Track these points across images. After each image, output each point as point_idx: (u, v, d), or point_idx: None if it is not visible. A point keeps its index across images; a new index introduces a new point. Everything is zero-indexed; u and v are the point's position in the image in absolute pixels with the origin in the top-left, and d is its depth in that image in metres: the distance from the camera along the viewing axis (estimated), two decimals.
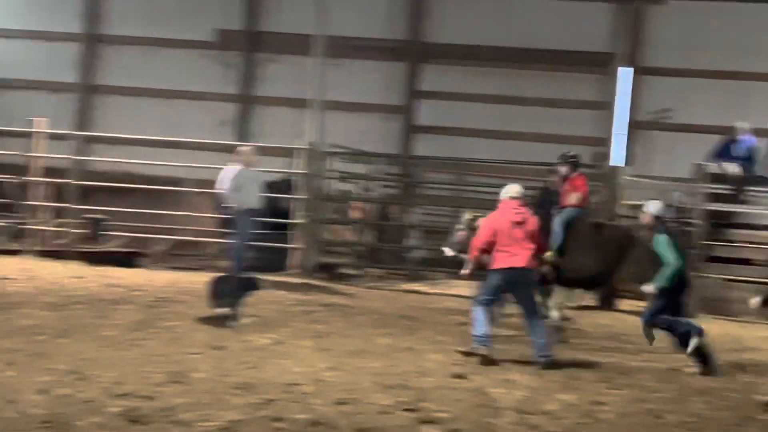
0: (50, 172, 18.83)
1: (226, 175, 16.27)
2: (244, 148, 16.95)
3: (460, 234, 13.21)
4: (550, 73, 23.28)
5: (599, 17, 21.36)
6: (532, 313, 11.01)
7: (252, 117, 24.54)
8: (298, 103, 23.26)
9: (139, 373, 9.18)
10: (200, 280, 15.13)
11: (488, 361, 10.61)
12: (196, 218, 18.75)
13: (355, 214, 20.32)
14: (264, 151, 17.67)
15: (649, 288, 11.13)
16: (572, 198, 13.24)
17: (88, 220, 18.59)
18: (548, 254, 12.59)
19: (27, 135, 18.75)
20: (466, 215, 13.39)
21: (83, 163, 21.64)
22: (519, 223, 10.90)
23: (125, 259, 17.88)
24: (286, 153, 20.30)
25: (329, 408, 8.40)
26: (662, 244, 11.08)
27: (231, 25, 24.53)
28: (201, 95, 24.62)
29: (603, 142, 21.39)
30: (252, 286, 12.82)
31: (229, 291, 12.46)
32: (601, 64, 22.05)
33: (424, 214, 21.50)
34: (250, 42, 24.45)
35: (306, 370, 9.76)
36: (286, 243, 17.73)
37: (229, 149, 20.79)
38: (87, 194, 19.77)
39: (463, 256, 12.39)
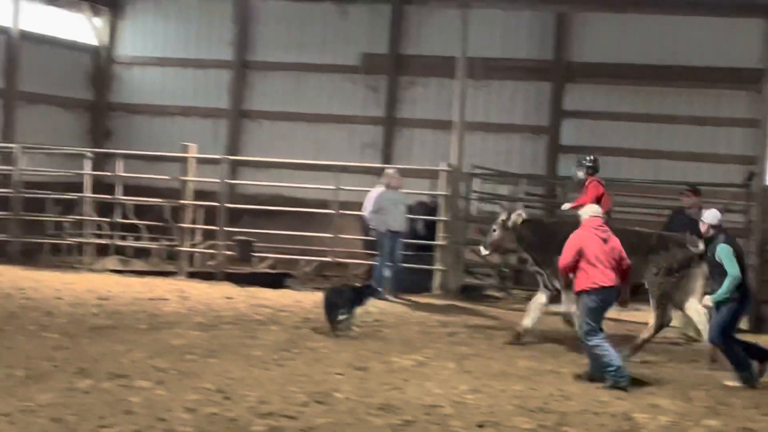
0: (201, 195, 19.41)
1: (371, 197, 16.49)
2: (389, 171, 17.16)
3: (495, 234, 13.43)
4: (699, 90, 22.78)
5: (750, 33, 20.71)
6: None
7: (396, 139, 24.75)
8: (442, 125, 23.40)
9: (283, 392, 9.36)
10: None
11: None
12: (342, 240, 18.98)
13: None
14: (407, 173, 17.81)
15: (707, 301, 10.98)
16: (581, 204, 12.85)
17: (237, 242, 19.06)
18: None
19: (180, 159, 19.36)
20: (501, 216, 13.49)
21: (233, 186, 22.21)
22: (605, 241, 10.78)
23: (273, 280, 18.24)
24: (430, 174, 20.39)
25: (469, 431, 8.39)
26: (725, 254, 10.78)
27: (376, 49, 24.83)
28: (346, 118, 24.99)
29: (755, 161, 20.74)
30: (366, 296, 13.19)
31: (344, 302, 12.87)
32: (753, 81, 21.40)
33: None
34: (395, 65, 24.70)
35: (447, 392, 9.78)
36: (430, 264, 17.80)
37: (374, 171, 21.18)
38: (236, 217, 20.28)
39: (494, 256, 12.21)
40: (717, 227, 11.13)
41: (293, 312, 14.56)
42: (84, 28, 26.16)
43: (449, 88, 23.17)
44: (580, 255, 10.68)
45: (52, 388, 9.00)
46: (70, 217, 20.46)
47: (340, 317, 12.77)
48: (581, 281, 10.69)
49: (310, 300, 15.93)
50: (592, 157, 13.92)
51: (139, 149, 24.73)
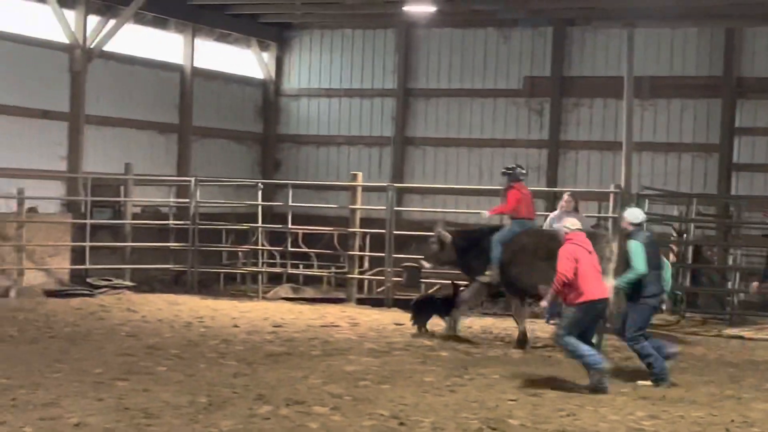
0: (368, 222, 19.68)
1: (550, 221, 16.39)
2: (565, 195, 17.02)
3: (433, 248, 14.66)
4: None
5: None
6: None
7: (561, 162, 24.53)
8: (607, 146, 23.14)
9: (457, 418, 9.38)
10: (514, 326, 15.31)
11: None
12: None
13: (670, 257, 19.78)
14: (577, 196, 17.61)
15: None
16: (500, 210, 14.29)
17: (405, 268, 19.20)
18: (487, 272, 13.84)
19: (347, 188, 19.69)
20: (437, 230, 14.57)
21: (399, 213, 22.43)
22: (591, 254, 11.08)
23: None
24: (597, 197, 20.13)
25: None
26: (634, 250, 11.33)
27: (539, 71, 24.72)
28: (510, 142, 24.94)
29: None
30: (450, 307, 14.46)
31: (430, 311, 14.51)
32: None
33: (745, 256, 20.60)
34: (558, 87, 24.52)
35: (624, 419, 9.62)
36: None
37: (539, 195, 21.03)
38: (403, 243, 20.45)
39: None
40: (636, 225, 11.62)
41: (463, 337, 14.58)
42: (252, 63, 26.97)
43: (615, 109, 22.97)
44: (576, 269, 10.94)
45: (233, 414, 9.26)
46: (245, 247, 21.06)
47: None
48: (575, 295, 10.95)
49: (479, 325, 15.95)
50: (512, 165, 14.44)
51: (306, 179, 25.34)
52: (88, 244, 19.93)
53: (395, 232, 19.09)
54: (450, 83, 25.59)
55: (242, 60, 26.74)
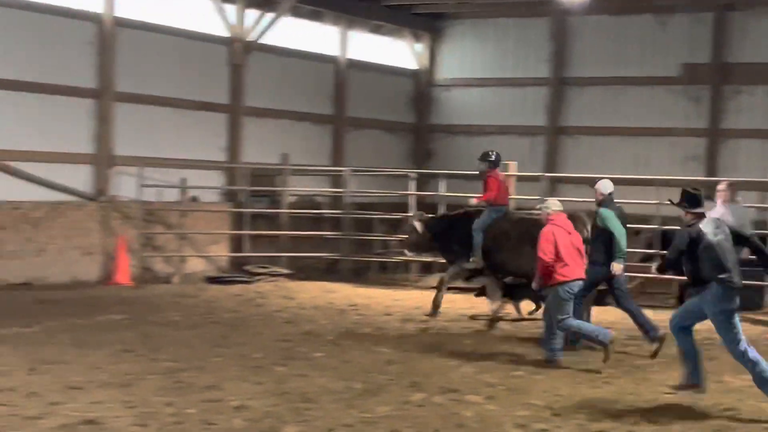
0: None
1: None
2: (721, 185, 16.55)
3: (412, 236, 15.27)
4: None
5: None
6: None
7: (720, 151, 23.87)
8: None
9: (612, 411, 9.30)
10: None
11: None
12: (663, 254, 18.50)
13: None
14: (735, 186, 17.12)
15: (618, 266, 11.99)
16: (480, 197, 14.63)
17: None
18: (472, 259, 14.26)
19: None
20: (414, 219, 15.29)
21: None
22: (570, 234, 11.47)
23: (596, 297, 18.02)
24: (759, 187, 19.52)
25: None
26: (607, 217, 12.04)
27: (698, 58, 24.10)
28: (668, 131, 24.40)
29: None
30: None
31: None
32: None
33: None
34: (718, 74, 23.87)
35: None
36: (761, 280, 17.02)
37: (697, 185, 20.45)
38: None
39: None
40: (607, 195, 12.42)
41: (617, 329, 14.36)
42: (405, 54, 27.15)
43: None
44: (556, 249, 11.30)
45: (388, 401, 9.40)
46: (397, 236, 21.22)
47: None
48: (554, 275, 11.32)
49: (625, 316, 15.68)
50: (490, 151, 14.93)
51: (458, 169, 25.29)
52: (246, 232, 20.48)
53: None
54: (605, 71, 25.18)
55: (395, 51, 26.94)
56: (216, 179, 21.82)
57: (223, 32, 21.71)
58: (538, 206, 13.00)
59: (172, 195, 20.08)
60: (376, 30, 26.02)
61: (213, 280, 19.16)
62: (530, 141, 26.05)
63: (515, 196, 19.07)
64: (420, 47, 27.35)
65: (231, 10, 21.82)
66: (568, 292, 11.45)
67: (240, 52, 21.80)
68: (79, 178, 19.03)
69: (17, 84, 17.92)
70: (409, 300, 17.17)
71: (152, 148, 19.94)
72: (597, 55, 25.34)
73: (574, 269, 11.44)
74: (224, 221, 20.84)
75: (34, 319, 13.75)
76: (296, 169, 21.82)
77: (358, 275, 20.62)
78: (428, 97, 27.41)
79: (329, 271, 20.96)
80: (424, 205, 22.85)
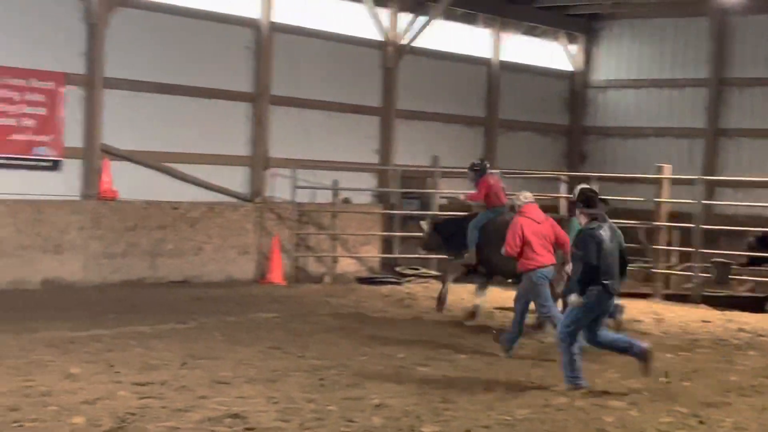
0: (676, 216, 19.14)
1: None
2: None
3: (425, 236, 15.86)
4: None
5: None
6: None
7: None
8: None
9: (761, 419, 9.01)
10: None
11: None
12: None
13: None
14: None
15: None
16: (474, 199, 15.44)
17: (714, 264, 18.57)
18: (466, 255, 14.75)
19: (653, 181, 19.26)
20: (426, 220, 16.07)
21: (709, 207, 21.68)
22: (540, 224, 11.91)
23: (753, 304, 17.54)
24: None
25: None
26: (572, 229, 12.09)
27: None
28: None
29: None
30: None
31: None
32: None
33: None
34: None
35: None
36: None
37: None
38: (713, 238, 19.75)
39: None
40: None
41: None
42: (560, 55, 26.90)
43: None
44: (522, 239, 11.66)
45: (528, 403, 9.35)
46: None
47: None
48: (524, 263, 11.76)
49: None
50: (478, 161, 15.78)
51: (613, 171, 24.95)
52: (397, 233, 20.66)
53: (704, 227, 18.43)
54: (766, 72, 24.41)
55: (549, 52, 26.74)
56: (368, 181, 22.10)
57: (377, 36, 21.98)
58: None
59: (324, 196, 20.45)
60: (529, 32, 25.89)
61: (363, 280, 19.41)
62: (688, 143, 25.47)
63: (668, 199, 18.67)
64: (575, 48, 27.05)
65: (384, 14, 22.08)
66: (541, 277, 11.79)
67: (392, 55, 22.04)
68: (236, 179, 19.59)
69: (177, 88, 18.59)
70: (560, 305, 16.95)
71: (306, 151, 20.36)
72: (760, 55, 24.58)
73: (544, 256, 11.83)
74: (375, 222, 21.08)
75: (190, 316, 14.22)
76: (446, 171, 21.88)
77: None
78: (583, 98, 27.11)
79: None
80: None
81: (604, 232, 9.86)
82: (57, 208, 16.86)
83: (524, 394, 9.77)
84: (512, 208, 13.04)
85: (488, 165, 15.83)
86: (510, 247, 11.82)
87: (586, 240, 9.87)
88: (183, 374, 10.14)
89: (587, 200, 10.15)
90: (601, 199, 10.31)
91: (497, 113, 24.92)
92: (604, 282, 9.80)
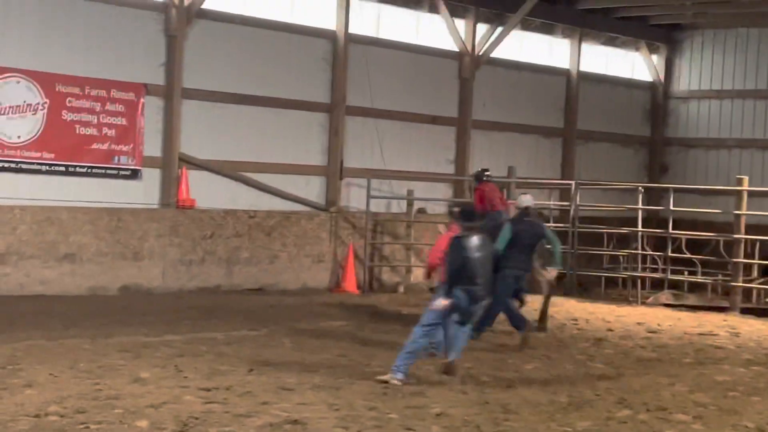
0: (757, 229, 18.82)
1: None
2: None
3: None
4: None
5: None
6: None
7: None
8: None
9: None
10: None
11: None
12: None
13: None
14: None
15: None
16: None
17: None
18: None
19: (733, 193, 18.96)
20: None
21: None
22: None
23: None
24: None
25: None
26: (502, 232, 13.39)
27: None
28: None
29: None
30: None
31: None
32: None
33: None
34: None
35: None
36: None
37: None
38: None
39: None
40: (522, 209, 13.84)
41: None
42: (640, 66, 26.63)
43: None
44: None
45: (590, 416, 9.28)
46: (625, 251, 20.84)
47: None
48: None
49: None
50: (478, 170, 16.47)
51: (695, 183, 24.64)
52: None
53: None
54: None
55: (629, 63, 26.49)
56: (443, 191, 22.13)
57: (454, 47, 22.02)
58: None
59: (400, 206, 20.53)
60: (609, 42, 25.68)
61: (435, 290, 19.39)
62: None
63: (747, 211, 18.33)
64: (656, 58, 26.76)
65: (461, 25, 22.10)
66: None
67: (469, 66, 22.06)
68: (312, 189, 19.79)
69: (254, 98, 18.85)
70: (633, 316, 16.83)
71: (381, 161, 20.47)
72: None
73: None
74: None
75: (262, 323, 14.41)
76: (522, 182, 21.78)
77: (585, 290, 20.37)
78: (665, 109, 26.80)
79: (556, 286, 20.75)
80: (657, 220, 22.44)
81: (472, 242, 10.56)
82: (136, 216, 17.23)
83: (587, 406, 9.70)
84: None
85: (486, 173, 16.17)
86: (432, 258, 12.39)
87: (453, 247, 10.64)
88: (249, 380, 10.28)
89: (466, 214, 11.07)
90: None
91: (576, 124, 24.75)
92: (468, 287, 10.50)
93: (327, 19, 19.92)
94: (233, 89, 18.62)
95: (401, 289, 19.60)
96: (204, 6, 17.86)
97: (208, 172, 18.32)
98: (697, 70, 26.45)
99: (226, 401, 9.28)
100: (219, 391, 9.68)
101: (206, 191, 18.11)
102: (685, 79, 26.63)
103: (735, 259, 18.46)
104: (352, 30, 20.06)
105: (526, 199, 14.05)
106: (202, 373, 10.49)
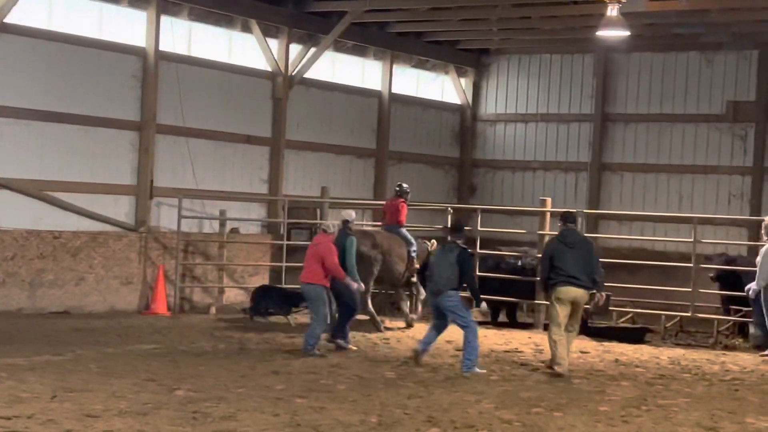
0: None
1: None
2: (766, 220, 16.45)
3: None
4: None
5: None
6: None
7: (767, 189, 23.63)
8: None
9: None
10: (705, 358, 15.01)
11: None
12: (705, 294, 18.35)
13: None
14: None
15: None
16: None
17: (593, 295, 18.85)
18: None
19: (538, 213, 19.58)
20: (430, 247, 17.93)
21: (594, 240, 22.13)
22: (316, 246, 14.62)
23: (633, 335, 17.91)
24: None
25: None
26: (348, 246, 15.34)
27: (743, 96, 23.99)
28: (712, 169, 24.28)
29: None
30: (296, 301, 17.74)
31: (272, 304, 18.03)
32: None
33: None
34: (764, 112, 23.70)
35: None
36: None
37: (740, 224, 20.23)
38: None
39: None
40: (346, 224, 15.76)
41: (648, 368, 14.28)
42: (449, 89, 27.27)
43: None
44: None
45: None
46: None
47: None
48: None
49: (667, 356, 15.57)
50: (399, 184, 18.76)
51: (502, 204, 25.40)
52: (284, 264, 20.53)
53: None
54: (650, 108, 25.17)
55: (439, 85, 27.09)
56: (257, 211, 22.04)
57: (267, 67, 21.99)
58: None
59: (213, 226, 20.31)
60: (420, 65, 26.19)
61: (249, 311, 19.23)
62: (574, 177, 26.07)
63: (550, 231, 18.94)
64: (465, 82, 27.46)
65: (275, 45, 22.10)
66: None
67: (283, 86, 22.06)
68: (121, 208, 19.34)
69: (61, 116, 18.32)
70: (444, 335, 17.05)
71: (193, 180, 20.21)
72: (642, 91, 25.39)
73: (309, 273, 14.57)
74: (264, 253, 20.99)
75: (68, 347, 13.97)
76: (335, 202, 21.92)
77: (398, 309, 20.54)
78: (473, 131, 27.50)
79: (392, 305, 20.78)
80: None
81: (437, 251, 14.14)
82: None
83: (397, 425, 9.80)
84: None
85: (398, 188, 18.53)
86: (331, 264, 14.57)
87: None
88: (52, 407, 9.94)
89: (457, 229, 14.16)
90: (455, 228, 14.20)
91: (388, 145, 25.10)
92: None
93: (137, 36, 19.56)
94: (38, 106, 18.03)
95: (213, 310, 19.35)
96: (6, 20, 17.24)
97: (9, 191, 17.66)
98: (503, 94, 27.28)
99: (28, 430, 8.95)
100: (20, 419, 9.32)
101: (8, 211, 17.44)
102: (492, 102, 27.42)
103: (539, 278, 19.00)
104: (162, 47, 19.75)
105: (349, 213, 16.10)
106: (2, 401, 10.08)
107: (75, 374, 11.90)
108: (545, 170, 26.37)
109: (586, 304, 13.87)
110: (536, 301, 18.68)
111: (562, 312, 13.35)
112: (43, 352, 13.49)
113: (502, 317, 19.68)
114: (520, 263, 19.28)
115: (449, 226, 14.75)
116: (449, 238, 13.93)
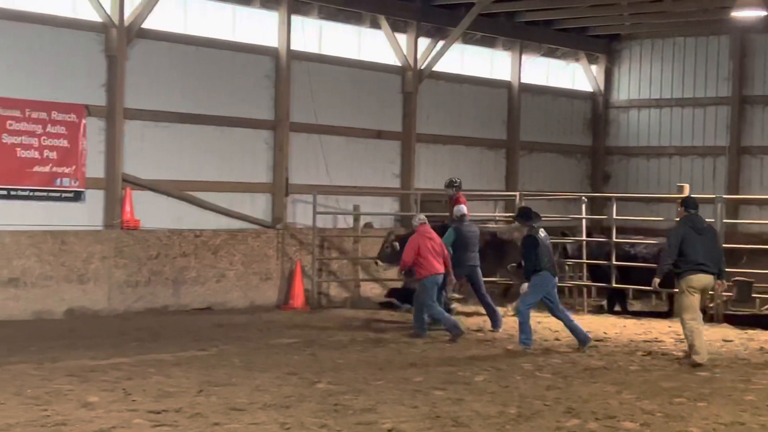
0: None
1: None
2: None
3: (389, 251, 17.68)
4: None
5: None
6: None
7: None
8: None
9: None
10: None
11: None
12: None
13: None
14: None
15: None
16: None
17: (736, 282, 18.45)
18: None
19: (675, 200, 19.19)
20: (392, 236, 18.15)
21: (733, 225, 21.60)
22: (432, 240, 15.20)
23: None
24: None
25: None
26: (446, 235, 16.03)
27: None
28: None
29: None
30: None
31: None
32: None
33: None
34: None
35: None
36: None
37: None
38: (737, 256, 19.66)
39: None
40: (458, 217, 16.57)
41: None
42: (580, 76, 26.95)
43: None
44: (417, 253, 15.04)
45: (540, 426, 9.37)
46: (570, 261, 20.97)
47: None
48: (419, 272, 15.13)
49: None
50: (451, 178, 18.30)
51: (636, 191, 24.99)
52: None
53: (727, 246, 18.30)
54: None
55: (570, 73, 26.80)
56: (389, 205, 22.22)
57: (396, 62, 22.13)
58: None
59: (347, 221, 20.57)
60: (550, 53, 25.95)
61: (386, 305, 19.45)
62: (711, 162, 25.43)
63: None
64: (596, 69, 27.10)
65: (403, 39, 22.23)
66: (432, 282, 15.10)
67: (412, 80, 22.18)
68: (258, 206, 19.75)
69: (198, 117, 18.81)
70: (580, 325, 16.92)
71: (326, 177, 20.50)
72: None
73: (433, 266, 15.05)
74: None
75: (211, 343, 14.35)
76: (466, 194, 21.85)
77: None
78: (605, 119, 27.12)
79: (504, 296, 20.84)
80: (600, 228, 22.66)
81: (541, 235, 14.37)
82: (80, 238, 17.07)
83: (536, 417, 9.78)
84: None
85: (455, 182, 18.01)
86: (407, 257, 15.13)
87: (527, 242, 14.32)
88: (199, 401, 10.23)
89: (525, 215, 14.61)
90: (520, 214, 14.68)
91: (519, 135, 24.97)
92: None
93: (269, 37, 19.93)
94: (176, 108, 18.55)
95: (350, 304, 19.60)
96: (144, 26, 17.79)
97: (152, 192, 18.23)
98: (636, 80, 26.82)
99: (176, 423, 9.24)
100: (169, 413, 9.63)
101: (151, 211, 18.00)
102: (625, 89, 26.98)
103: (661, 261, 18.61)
104: (294, 47, 20.08)
105: (461, 209, 16.74)
106: (151, 396, 10.42)
107: (219, 369, 12.22)
108: (681, 156, 25.81)
109: (711, 290, 13.62)
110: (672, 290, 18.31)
111: (696, 300, 13.09)
112: (188, 347, 13.89)
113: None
114: (632, 251, 18.96)
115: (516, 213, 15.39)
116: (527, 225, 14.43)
